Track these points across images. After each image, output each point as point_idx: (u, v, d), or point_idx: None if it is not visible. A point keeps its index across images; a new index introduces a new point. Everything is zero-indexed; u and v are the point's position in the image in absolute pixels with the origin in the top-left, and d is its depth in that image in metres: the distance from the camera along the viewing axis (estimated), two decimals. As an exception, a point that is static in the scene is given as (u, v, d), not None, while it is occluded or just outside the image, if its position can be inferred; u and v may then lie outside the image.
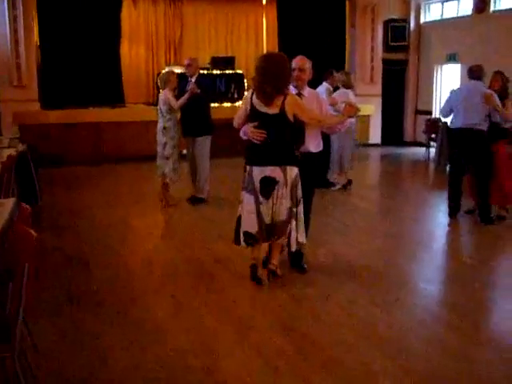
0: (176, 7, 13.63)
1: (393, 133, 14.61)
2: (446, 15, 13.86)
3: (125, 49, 13.12)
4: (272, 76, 4.38)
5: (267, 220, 4.53)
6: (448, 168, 7.30)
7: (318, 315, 4.14)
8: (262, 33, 14.50)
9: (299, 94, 4.71)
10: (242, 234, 4.62)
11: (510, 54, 11.54)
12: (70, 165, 10.80)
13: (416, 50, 14.69)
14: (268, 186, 4.48)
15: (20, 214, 3.21)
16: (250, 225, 4.57)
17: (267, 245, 4.81)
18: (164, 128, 7.40)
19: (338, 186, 8.90)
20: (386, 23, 14.26)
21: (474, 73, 6.76)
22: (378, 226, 6.98)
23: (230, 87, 12.71)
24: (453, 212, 6.97)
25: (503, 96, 6.64)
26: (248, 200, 4.57)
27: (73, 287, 4.73)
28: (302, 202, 4.64)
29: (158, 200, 7.71)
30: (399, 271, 5.19)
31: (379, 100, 14.16)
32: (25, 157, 6.96)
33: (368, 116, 14.07)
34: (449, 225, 6.87)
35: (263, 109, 4.46)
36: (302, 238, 4.68)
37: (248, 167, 4.61)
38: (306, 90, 4.84)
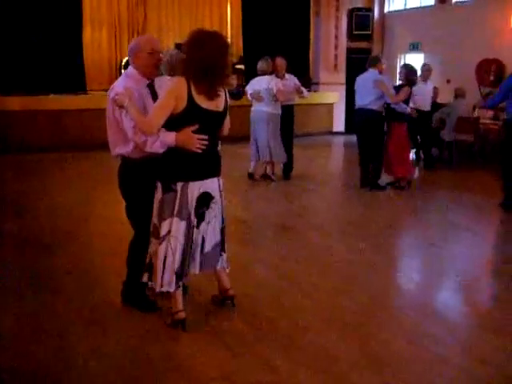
0: (139, -9, 13.37)
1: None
2: (410, 5, 14.03)
3: (87, 34, 12.81)
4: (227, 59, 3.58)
5: (198, 249, 3.63)
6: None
7: (279, 298, 4.16)
8: (226, 19, 14.41)
9: (151, 86, 3.77)
10: (169, 276, 3.53)
11: (471, 44, 11.76)
12: (30, 152, 10.53)
13: (379, 39, 14.82)
14: (205, 205, 3.57)
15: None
16: (180, 261, 3.54)
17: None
18: None
19: (256, 177, 8.45)
20: (351, 12, 14.34)
21: (370, 62, 7.81)
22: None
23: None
24: (363, 183, 7.95)
25: (407, 84, 7.68)
26: (179, 228, 3.49)
27: (34, 271, 4.67)
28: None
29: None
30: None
31: (343, 88, 14.23)
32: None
33: (332, 104, 14.17)
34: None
35: (206, 104, 3.45)
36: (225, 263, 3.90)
37: (180, 185, 3.46)
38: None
